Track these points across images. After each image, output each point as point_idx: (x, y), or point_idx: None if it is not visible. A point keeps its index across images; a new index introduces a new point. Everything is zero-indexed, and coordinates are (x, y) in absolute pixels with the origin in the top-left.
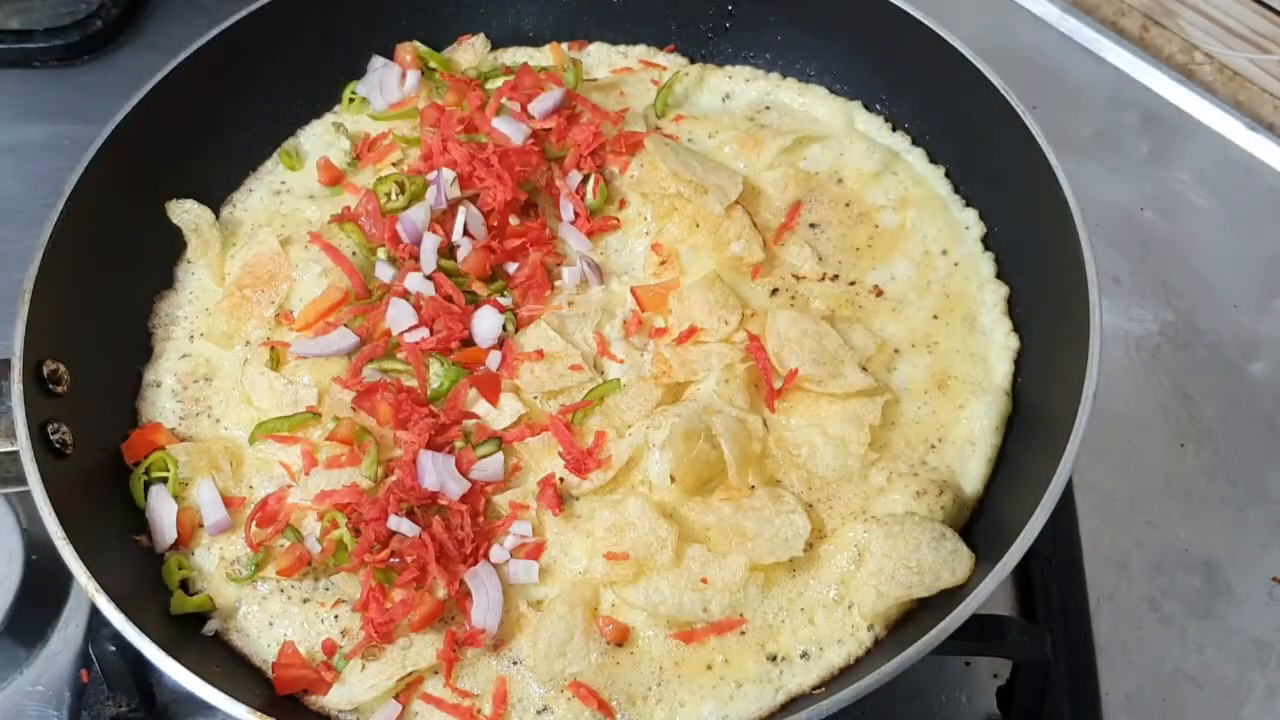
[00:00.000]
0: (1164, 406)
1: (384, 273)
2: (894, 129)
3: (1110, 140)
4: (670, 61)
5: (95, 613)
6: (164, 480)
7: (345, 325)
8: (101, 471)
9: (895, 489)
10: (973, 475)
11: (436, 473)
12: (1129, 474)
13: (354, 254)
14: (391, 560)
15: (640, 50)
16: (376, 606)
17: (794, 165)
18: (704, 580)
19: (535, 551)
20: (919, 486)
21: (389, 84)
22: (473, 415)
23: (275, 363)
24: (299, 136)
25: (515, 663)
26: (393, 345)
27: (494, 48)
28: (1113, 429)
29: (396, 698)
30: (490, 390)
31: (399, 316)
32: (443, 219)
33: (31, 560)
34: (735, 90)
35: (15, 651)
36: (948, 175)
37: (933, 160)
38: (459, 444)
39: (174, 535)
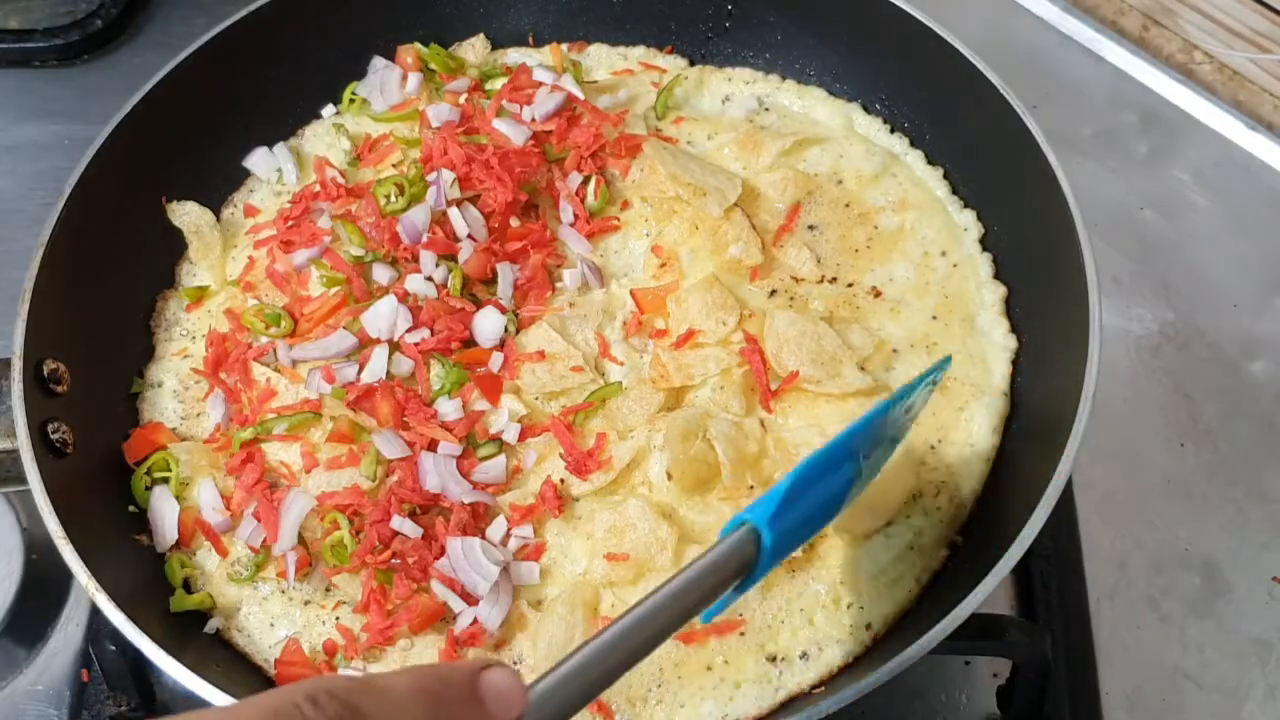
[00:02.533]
0: (1164, 406)
1: (381, 275)
2: (893, 130)
3: (1110, 140)
4: (670, 63)
5: (95, 612)
6: (165, 480)
7: (344, 328)
8: (102, 471)
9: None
10: (971, 475)
11: (438, 474)
12: (1129, 474)
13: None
14: (393, 561)
15: (640, 52)
16: (377, 609)
17: (793, 167)
18: None
19: (536, 553)
20: (916, 488)
21: (390, 85)
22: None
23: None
24: (300, 137)
25: (516, 663)
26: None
27: (494, 48)
28: (1113, 429)
29: None
30: (491, 391)
31: (375, 320)
32: (443, 221)
33: (31, 560)
34: (735, 92)
35: (15, 651)
36: (946, 176)
37: (931, 162)
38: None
39: (175, 535)
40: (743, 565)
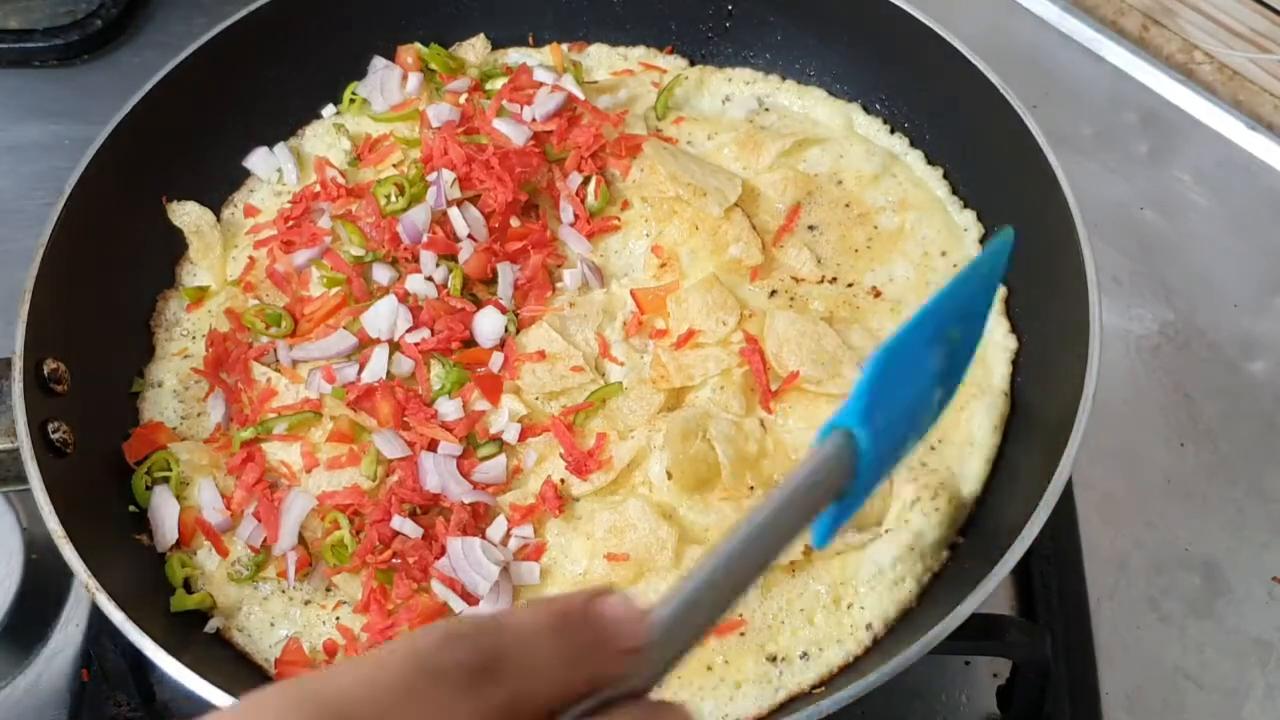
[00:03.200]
0: (1164, 406)
1: (381, 275)
2: (893, 130)
3: (1110, 140)
4: (670, 64)
5: (95, 612)
6: (166, 480)
7: (344, 328)
8: (102, 471)
9: (893, 491)
10: (972, 475)
11: (438, 474)
12: (1129, 474)
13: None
14: (393, 561)
15: (640, 52)
16: (378, 609)
17: (793, 168)
18: None
19: (536, 553)
20: (916, 489)
21: (390, 86)
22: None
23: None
24: (300, 137)
25: None
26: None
27: (494, 48)
28: (1113, 429)
29: None
30: (492, 391)
31: (375, 320)
32: (443, 221)
33: (31, 560)
34: (735, 93)
35: (15, 651)
36: (946, 176)
37: (931, 162)
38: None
39: (175, 535)
40: (842, 474)
